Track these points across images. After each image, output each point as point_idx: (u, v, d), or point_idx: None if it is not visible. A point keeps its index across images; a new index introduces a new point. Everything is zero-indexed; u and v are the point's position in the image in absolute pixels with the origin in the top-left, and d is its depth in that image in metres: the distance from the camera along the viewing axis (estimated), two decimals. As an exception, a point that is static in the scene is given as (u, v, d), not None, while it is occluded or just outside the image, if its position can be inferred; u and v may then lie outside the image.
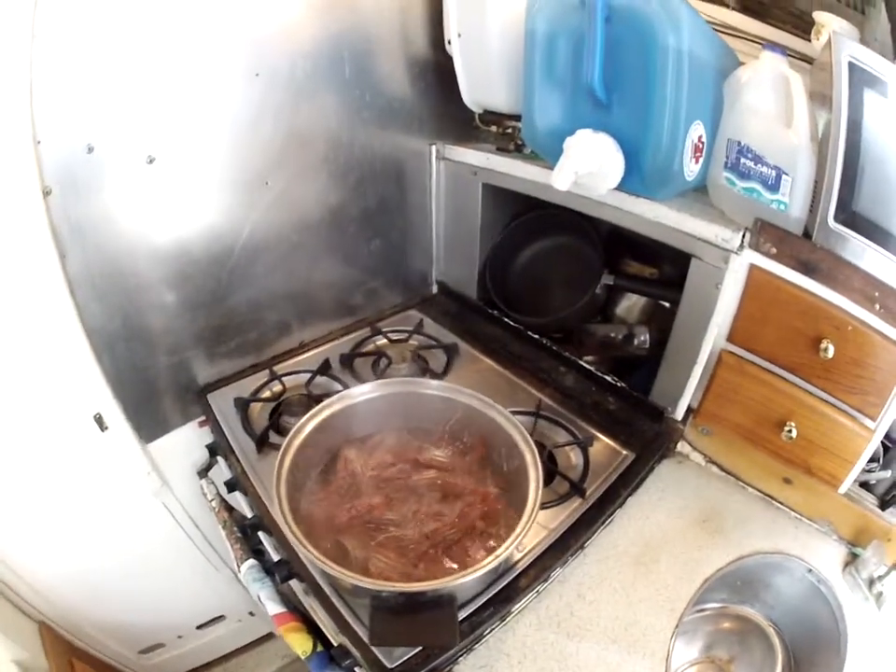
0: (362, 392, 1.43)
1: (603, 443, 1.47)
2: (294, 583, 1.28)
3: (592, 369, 1.64)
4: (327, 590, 1.16)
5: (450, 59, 1.66)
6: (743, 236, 1.23)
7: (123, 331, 1.53)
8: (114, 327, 1.51)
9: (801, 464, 1.30)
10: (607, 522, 1.31)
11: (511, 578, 1.18)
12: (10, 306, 1.38)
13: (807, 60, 1.24)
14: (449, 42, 1.65)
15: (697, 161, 1.27)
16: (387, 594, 1.05)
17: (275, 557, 1.35)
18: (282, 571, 1.28)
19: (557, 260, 1.89)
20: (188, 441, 1.76)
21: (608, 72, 1.23)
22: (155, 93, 1.39)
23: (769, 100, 1.16)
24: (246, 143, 1.56)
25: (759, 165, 1.18)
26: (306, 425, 1.34)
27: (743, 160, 1.20)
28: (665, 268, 1.74)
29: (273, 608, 1.32)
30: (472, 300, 2.00)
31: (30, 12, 1.19)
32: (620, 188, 1.34)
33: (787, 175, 1.14)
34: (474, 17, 1.54)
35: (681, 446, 1.47)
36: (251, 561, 1.42)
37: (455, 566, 1.16)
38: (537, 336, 1.77)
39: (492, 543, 1.19)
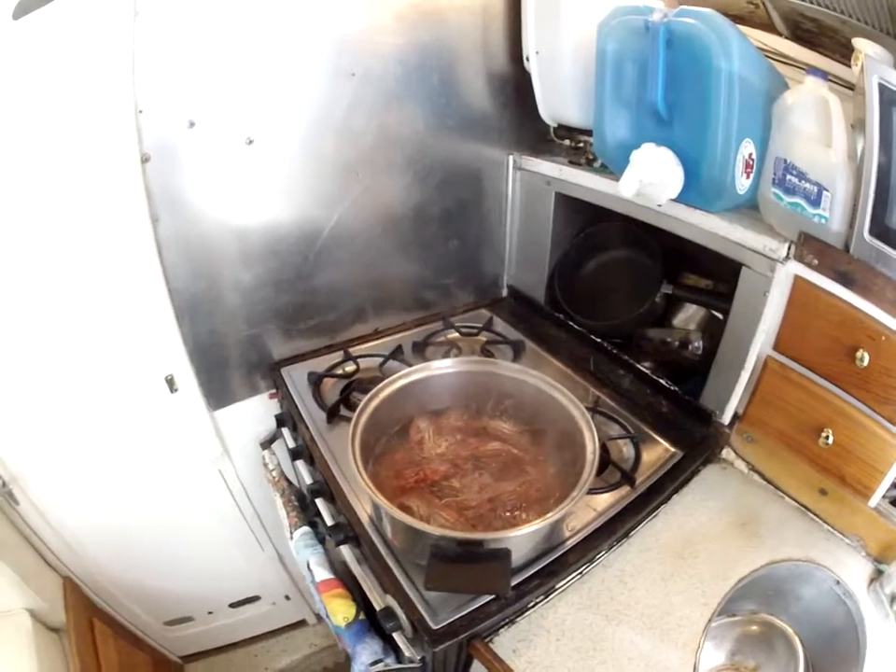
0: (442, 366, 1.49)
1: (654, 441, 1.50)
2: (345, 550, 1.33)
3: (648, 372, 1.68)
4: (381, 550, 1.21)
5: (528, 74, 1.74)
6: (788, 248, 1.28)
7: (206, 297, 1.61)
8: (198, 291, 1.59)
9: (835, 472, 1.30)
10: (652, 514, 1.33)
11: (558, 554, 1.21)
12: (101, 260, 1.46)
13: (852, 87, 1.26)
14: (527, 59, 1.72)
15: (748, 177, 1.33)
16: (446, 542, 1.08)
17: (331, 522, 1.41)
18: (337, 535, 1.33)
19: (621, 270, 1.94)
20: (255, 412, 1.84)
21: (669, 92, 1.32)
22: (256, 80, 1.48)
23: (811, 121, 1.20)
24: (340, 135, 1.64)
25: (802, 182, 1.22)
26: (386, 388, 1.40)
27: (789, 176, 1.24)
28: (720, 280, 1.77)
29: (322, 573, 1.37)
30: (540, 303, 2.06)
31: None
32: (678, 199, 1.41)
33: (827, 191, 1.18)
34: (550, 36, 1.61)
35: (726, 453, 1.50)
36: (305, 528, 1.48)
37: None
38: (598, 340, 1.82)
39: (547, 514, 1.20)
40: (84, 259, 1.44)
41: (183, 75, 1.39)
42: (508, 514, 1.24)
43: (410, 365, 1.63)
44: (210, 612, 2.24)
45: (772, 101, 1.27)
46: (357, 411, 1.31)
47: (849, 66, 1.25)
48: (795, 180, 1.23)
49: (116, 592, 1.96)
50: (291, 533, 1.49)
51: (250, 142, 1.52)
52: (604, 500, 1.32)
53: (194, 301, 1.59)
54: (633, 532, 1.29)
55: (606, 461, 1.40)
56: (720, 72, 1.21)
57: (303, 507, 1.60)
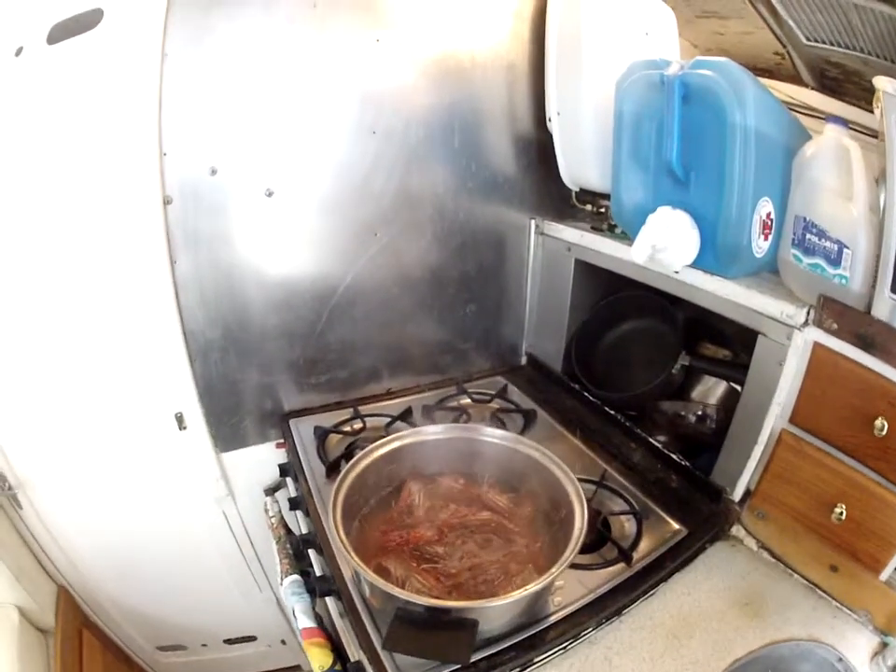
0: (433, 432, 1.46)
1: (659, 517, 1.42)
2: (329, 602, 1.29)
3: (660, 446, 1.61)
4: (359, 606, 1.17)
5: (551, 137, 1.73)
6: (807, 312, 1.20)
7: (221, 342, 1.62)
8: (212, 335, 1.60)
9: (847, 547, 1.21)
10: (649, 592, 1.24)
11: (540, 628, 1.13)
12: (120, 294, 1.49)
13: (876, 134, 1.19)
14: (549, 120, 1.71)
15: (766, 238, 1.27)
16: (414, 606, 1.03)
17: (319, 573, 1.38)
18: (323, 587, 1.31)
19: (639, 341, 1.88)
20: (262, 459, 1.81)
21: (686, 151, 1.27)
22: (278, 132, 1.51)
23: (832, 173, 1.13)
24: (360, 193, 1.65)
25: (822, 240, 1.15)
26: (375, 450, 1.38)
27: (808, 235, 1.17)
28: (741, 351, 1.70)
29: (305, 621, 1.34)
30: (556, 372, 2.00)
31: (159, 35, 1.33)
32: (695, 265, 1.36)
33: (847, 248, 1.10)
34: (571, 97, 1.61)
35: (736, 530, 1.40)
36: (295, 576, 1.45)
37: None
38: (612, 412, 1.76)
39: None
40: (103, 292, 1.48)
41: (208, 121, 1.43)
42: (486, 585, 1.17)
43: (416, 427, 1.62)
44: (204, 645, 2.19)
45: (793, 156, 1.21)
46: (345, 469, 1.29)
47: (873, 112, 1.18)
48: (815, 239, 1.16)
49: (111, 609, 1.95)
50: (282, 579, 1.46)
51: (270, 194, 1.53)
52: (597, 577, 1.24)
53: (208, 344, 1.60)
54: (625, 610, 1.20)
55: (605, 537, 1.33)
56: (734, 126, 1.17)
57: (298, 556, 1.55)
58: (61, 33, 1.31)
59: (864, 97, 1.33)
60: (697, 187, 1.30)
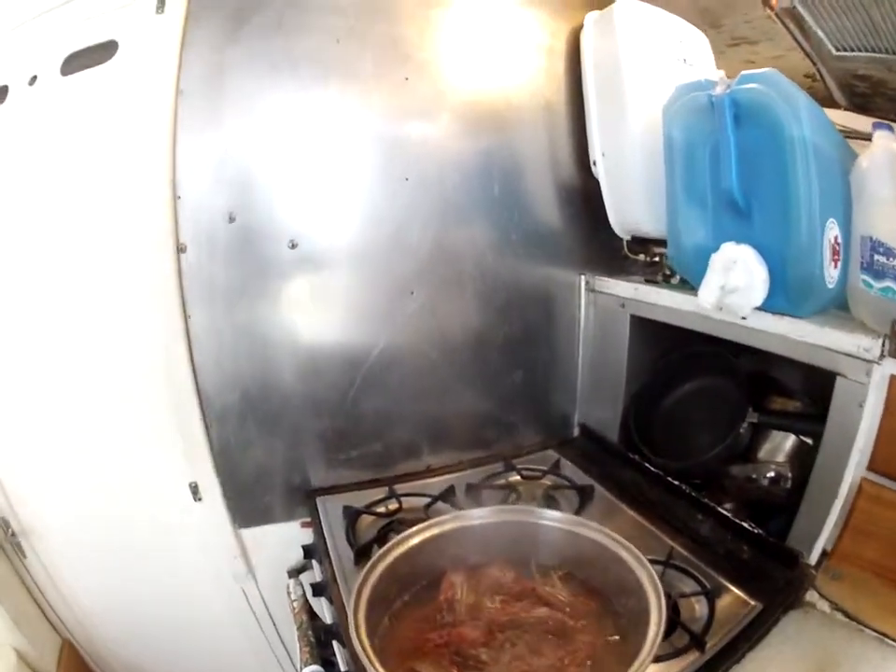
0: (479, 516, 1.26)
1: (730, 593, 1.23)
2: None
3: (729, 516, 1.41)
4: None
5: (597, 183, 1.58)
6: (882, 343, 1.07)
7: (239, 407, 1.48)
8: (230, 399, 1.47)
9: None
10: None
11: None
12: (129, 351, 1.41)
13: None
14: (594, 163, 1.59)
15: (836, 265, 1.15)
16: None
17: (343, 668, 1.22)
18: None
19: (700, 401, 1.68)
20: (286, 538, 1.62)
21: (744, 178, 1.18)
22: (302, 178, 1.41)
23: (889, 184, 1.05)
24: (393, 246, 1.52)
25: (891, 259, 1.05)
26: (411, 537, 1.19)
27: (876, 256, 1.07)
28: (810, 402, 1.53)
29: None
30: (613, 442, 1.78)
31: (174, 70, 1.28)
32: (763, 307, 1.23)
33: None
34: (616, 135, 1.51)
35: (810, 595, 1.22)
36: (315, 667, 1.26)
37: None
38: (676, 482, 1.55)
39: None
40: (112, 345, 1.41)
41: (226, 164, 1.34)
42: None
43: (460, 509, 1.44)
44: None
45: (846, 172, 1.12)
46: (375, 558, 1.11)
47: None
48: (883, 259, 1.05)
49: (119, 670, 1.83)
50: (301, 668, 1.28)
51: (293, 245, 1.41)
52: (666, 669, 1.04)
53: (225, 408, 1.46)
54: None
55: (674, 622, 1.12)
56: (792, 140, 1.08)
57: (321, 644, 1.37)
58: (75, 64, 1.29)
59: (892, 108, 1.35)
60: (760, 216, 1.20)
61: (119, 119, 1.29)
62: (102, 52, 1.30)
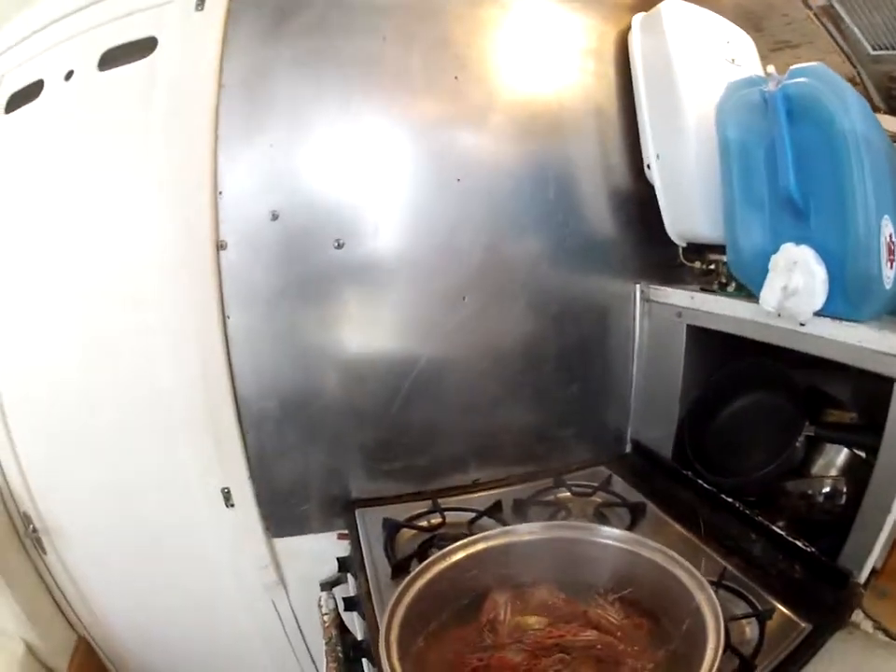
0: (528, 531, 1.19)
1: (781, 615, 1.14)
2: None
3: (783, 534, 1.33)
4: None
5: (651, 190, 1.50)
6: None
7: (277, 413, 1.42)
8: (268, 404, 1.41)
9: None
10: None
11: None
12: (165, 349, 1.36)
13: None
14: (648, 166, 1.51)
15: (892, 265, 1.11)
16: None
17: None
18: None
19: (754, 416, 1.59)
20: (321, 550, 1.55)
21: (801, 177, 1.13)
22: (345, 177, 1.36)
23: None
24: (445, 249, 1.46)
25: None
26: (454, 553, 1.12)
27: None
28: (864, 414, 1.44)
29: None
30: (666, 459, 1.68)
31: (215, 65, 1.25)
32: (822, 312, 1.17)
33: None
34: (670, 137, 1.44)
35: (855, 614, 1.15)
36: None
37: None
38: (730, 500, 1.46)
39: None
40: (148, 343, 1.37)
41: (270, 159, 1.30)
42: None
43: (506, 524, 1.36)
44: None
45: (893, 169, 1.11)
46: (414, 573, 1.05)
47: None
48: None
49: None
50: None
51: (340, 245, 1.35)
52: None
53: (262, 413, 1.41)
54: None
55: (725, 645, 1.00)
56: (844, 133, 1.04)
57: (350, 661, 1.34)
58: (112, 60, 1.27)
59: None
60: (817, 215, 1.15)
61: (158, 113, 1.26)
62: (140, 48, 1.28)
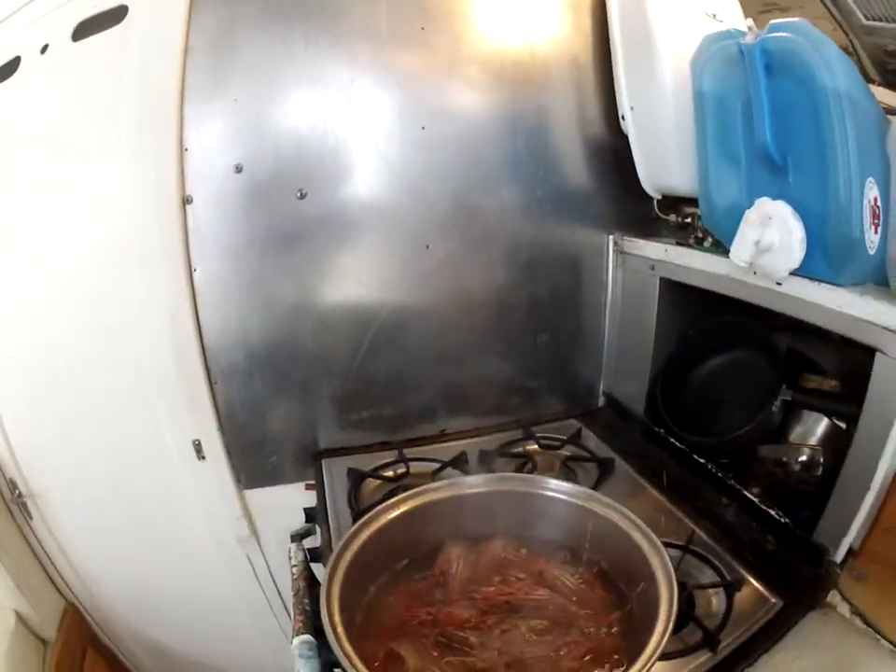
0: (475, 484, 1.14)
1: (750, 586, 1.10)
2: None
3: (756, 501, 1.28)
4: None
5: (626, 141, 1.44)
6: None
7: (245, 364, 1.41)
8: (236, 356, 1.40)
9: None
10: None
11: None
12: (133, 305, 1.34)
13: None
14: (622, 117, 1.44)
15: (876, 230, 1.04)
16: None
17: None
18: (331, 656, 0.98)
19: (732, 376, 1.54)
20: (292, 501, 1.54)
21: (779, 132, 1.08)
22: (308, 127, 1.32)
23: None
24: (409, 198, 1.41)
25: None
26: (400, 505, 1.08)
27: None
28: (846, 386, 1.39)
29: None
30: (638, 415, 1.64)
31: (182, 29, 1.23)
32: (801, 271, 1.12)
33: None
34: (645, 86, 1.37)
35: (831, 596, 1.10)
36: (306, 636, 1.13)
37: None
38: (703, 461, 1.41)
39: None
40: (117, 299, 1.35)
41: (234, 116, 1.27)
42: None
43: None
44: None
45: (883, 134, 1.03)
46: (354, 528, 1.00)
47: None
48: None
49: (123, 635, 1.77)
50: (292, 638, 1.18)
51: (303, 195, 1.31)
52: (674, 667, 0.93)
53: (230, 365, 1.39)
54: None
55: (687, 617, 1.00)
56: (825, 89, 0.99)
57: (317, 613, 1.28)
58: (85, 29, 1.25)
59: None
60: (796, 173, 1.09)
61: (129, 77, 1.24)
62: (112, 17, 1.25)
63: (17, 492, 1.52)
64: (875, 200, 1.01)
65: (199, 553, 1.63)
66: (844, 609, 1.08)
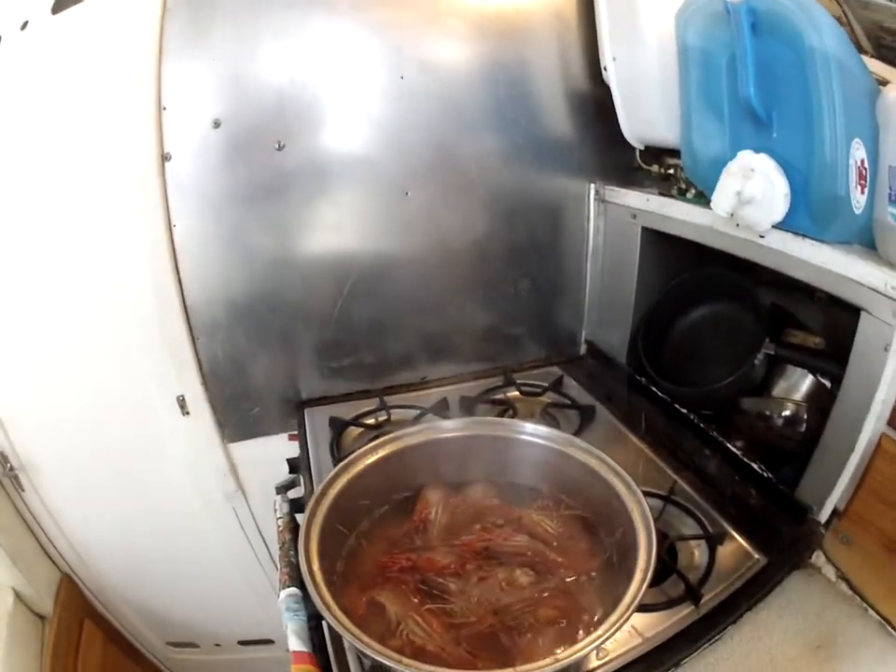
0: (449, 428, 1.14)
1: (734, 541, 1.08)
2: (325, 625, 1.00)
3: (739, 454, 1.25)
4: (346, 644, 0.89)
5: (609, 92, 1.40)
6: None
7: (226, 318, 1.39)
8: (217, 310, 1.39)
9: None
10: (714, 639, 0.93)
11: None
12: (114, 264, 1.32)
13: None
14: (605, 69, 1.40)
15: (863, 191, 1.00)
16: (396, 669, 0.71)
17: None
18: (312, 607, 0.98)
19: (715, 328, 1.52)
20: (276, 453, 1.51)
21: (764, 88, 1.04)
22: (285, 79, 1.28)
23: None
24: (387, 146, 1.38)
25: None
26: (375, 451, 1.07)
27: None
28: (830, 341, 1.37)
29: (295, 643, 1.05)
30: (620, 363, 1.63)
31: None
32: (784, 225, 1.09)
33: None
34: (628, 38, 1.32)
35: (816, 557, 1.09)
36: (292, 589, 1.14)
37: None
38: (685, 411, 1.40)
39: (567, 642, 0.82)
40: (98, 259, 1.32)
41: (211, 71, 1.24)
42: (508, 637, 0.84)
43: None
44: (217, 644, 1.99)
45: (872, 100, 0.99)
46: (331, 475, 0.99)
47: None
48: None
49: (118, 601, 1.79)
50: (279, 591, 1.17)
51: (281, 147, 1.28)
52: (655, 620, 0.91)
53: (212, 320, 1.37)
54: (685, 661, 0.89)
55: (670, 569, 0.99)
56: (813, 51, 0.94)
57: None
58: (64, 2, 1.22)
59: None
60: (781, 129, 1.05)
61: (108, 44, 1.21)
62: None
63: (8, 465, 1.51)
64: (863, 161, 0.98)
65: (187, 511, 1.63)
66: (829, 571, 1.08)
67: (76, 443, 1.50)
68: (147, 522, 1.64)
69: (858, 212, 1.01)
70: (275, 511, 1.42)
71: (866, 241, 1.04)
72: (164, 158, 1.24)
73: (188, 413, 1.44)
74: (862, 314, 0.99)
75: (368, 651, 0.70)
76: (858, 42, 1.25)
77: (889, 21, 1.17)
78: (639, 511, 0.92)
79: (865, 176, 1.00)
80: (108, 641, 1.72)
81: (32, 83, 1.24)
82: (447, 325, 1.57)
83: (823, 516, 1.09)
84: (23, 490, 1.55)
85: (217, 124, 1.24)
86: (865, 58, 1.16)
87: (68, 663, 1.50)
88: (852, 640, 0.97)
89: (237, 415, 1.49)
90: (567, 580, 0.94)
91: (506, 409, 1.47)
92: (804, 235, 1.08)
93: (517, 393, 1.55)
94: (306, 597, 1.10)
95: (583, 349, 1.77)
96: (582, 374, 1.65)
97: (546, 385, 1.57)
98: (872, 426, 1.00)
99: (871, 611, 1.01)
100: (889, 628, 0.98)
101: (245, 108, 1.26)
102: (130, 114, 1.22)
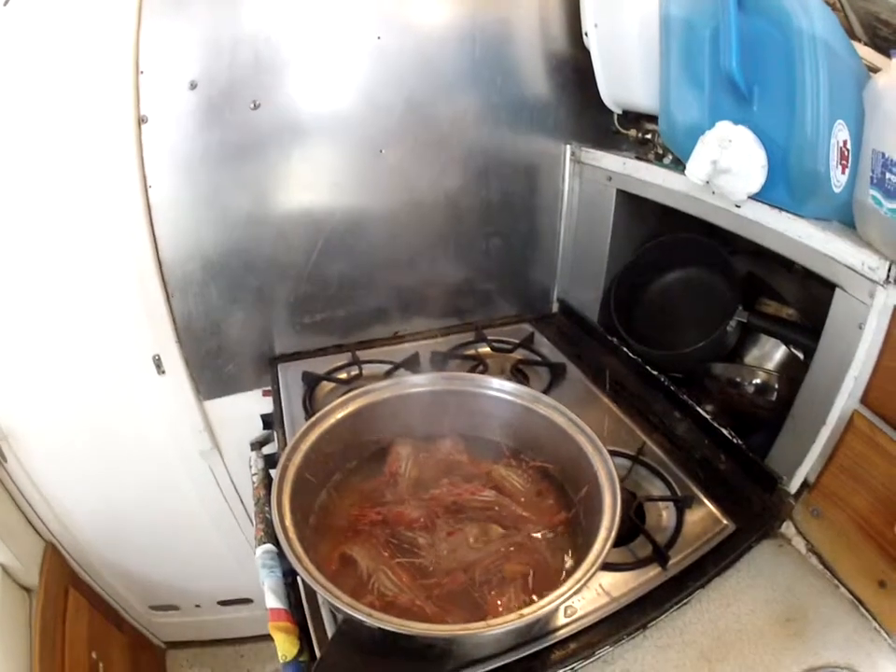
0: (420, 382, 1.14)
1: (702, 506, 1.08)
2: (300, 581, 1.00)
3: (708, 418, 1.26)
4: (319, 598, 0.89)
5: (589, 55, 1.37)
6: (889, 268, 0.91)
7: (201, 275, 1.38)
8: (191, 267, 1.37)
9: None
10: (682, 602, 0.94)
11: (544, 644, 0.84)
12: (89, 226, 1.29)
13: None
14: (586, 34, 1.37)
15: (844, 171, 0.99)
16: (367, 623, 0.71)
17: None
18: (286, 564, 1.01)
19: (689, 293, 1.52)
20: (250, 409, 1.53)
21: (747, 64, 1.02)
22: (264, 38, 1.24)
23: None
24: (361, 105, 1.35)
25: None
26: (345, 405, 1.06)
27: (889, 175, 0.90)
28: (805, 314, 1.37)
29: (272, 601, 1.05)
30: (592, 322, 1.63)
31: None
32: (761, 197, 1.08)
33: None
34: (611, 4, 1.27)
35: (786, 527, 1.10)
36: (268, 546, 1.15)
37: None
38: (655, 373, 1.41)
39: (533, 596, 0.85)
40: (72, 222, 1.28)
41: (187, 35, 1.20)
42: (477, 591, 0.85)
43: None
44: (197, 605, 2.01)
45: (860, 85, 0.96)
46: (302, 430, 0.99)
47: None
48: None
49: (100, 567, 1.78)
50: (255, 548, 1.18)
51: (256, 106, 1.25)
52: (622, 580, 0.92)
53: (186, 277, 1.35)
54: (652, 623, 0.90)
55: (637, 529, 1.00)
56: (801, 32, 0.93)
57: None
58: None
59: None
60: (762, 103, 1.03)
61: (88, 13, 1.15)
62: None
63: (-9, 434, 1.51)
64: (846, 143, 0.97)
65: (165, 470, 1.63)
66: (800, 543, 1.08)
67: (55, 408, 1.49)
68: (127, 485, 1.64)
69: (837, 190, 1.00)
70: (250, 467, 1.43)
71: (846, 219, 1.03)
72: (141, 120, 1.21)
73: (163, 373, 1.43)
74: (837, 290, 1.00)
75: (339, 605, 0.71)
76: (850, 29, 1.23)
77: (885, 13, 1.15)
78: (605, 470, 0.93)
79: (847, 157, 1.00)
80: (93, 609, 1.72)
81: (9, 47, 1.19)
82: (419, 280, 1.57)
83: (793, 487, 1.10)
84: (6, 461, 1.53)
85: (193, 86, 1.21)
86: (858, 45, 1.16)
87: (56, 634, 1.50)
88: (824, 618, 0.98)
89: (212, 372, 1.48)
90: (534, 535, 0.96)
91: (477, 364, 1.47)
92: (780, 208, 1.07)
93: (488, 349, 1.56)
94: (281, 554, 1.10)
95: (555, 307, 1.78)
96: (554, 332, 1.66)
97: (517, 341, 1.57)
98: (843, 402, 1.01)
99: (842, 589, 1.02)
100: (863, 609, 0.99)
101: (222, 69, 1.22)
102: (108, 78, 1.18)
